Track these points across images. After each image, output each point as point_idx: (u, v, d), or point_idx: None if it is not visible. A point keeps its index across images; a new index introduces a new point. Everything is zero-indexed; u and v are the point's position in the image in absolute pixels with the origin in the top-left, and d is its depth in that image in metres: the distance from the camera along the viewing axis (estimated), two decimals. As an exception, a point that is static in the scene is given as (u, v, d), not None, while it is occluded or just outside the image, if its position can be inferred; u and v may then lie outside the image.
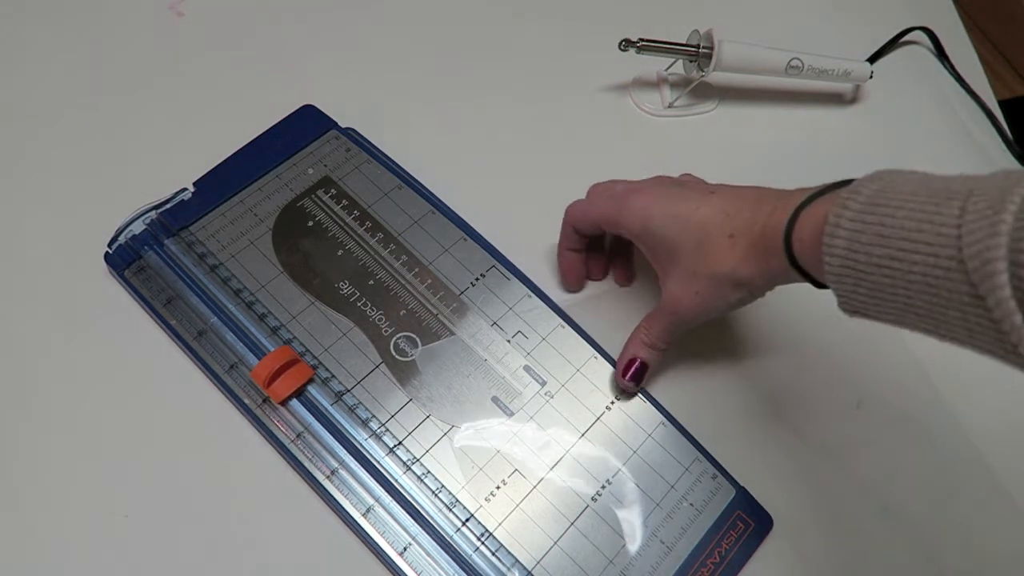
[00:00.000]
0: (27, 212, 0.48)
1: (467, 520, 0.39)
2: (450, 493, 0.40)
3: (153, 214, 0.46)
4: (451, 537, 0.39)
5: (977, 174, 0.28)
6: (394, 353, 0.43)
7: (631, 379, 0.42)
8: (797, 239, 0.33)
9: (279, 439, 0.40)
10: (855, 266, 0.29)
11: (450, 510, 0.39)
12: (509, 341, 0.44)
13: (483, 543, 0.39)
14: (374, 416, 0.41)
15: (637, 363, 0.42)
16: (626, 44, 0.51)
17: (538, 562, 0.38)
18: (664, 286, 0.40)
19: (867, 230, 0.29)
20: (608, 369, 0.44)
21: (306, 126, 0.50)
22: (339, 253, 0.45)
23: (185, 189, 0.47)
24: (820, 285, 0.33)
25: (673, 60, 0.55)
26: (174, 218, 0.46)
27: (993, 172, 0.27)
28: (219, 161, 0.48)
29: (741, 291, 0.37)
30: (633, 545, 0.39)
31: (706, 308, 0.38)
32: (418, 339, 0.43)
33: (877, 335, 0.47)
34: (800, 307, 0.47)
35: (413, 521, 0.39)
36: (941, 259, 0.26)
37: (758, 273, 0.36)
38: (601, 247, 0.48)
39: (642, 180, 0.42)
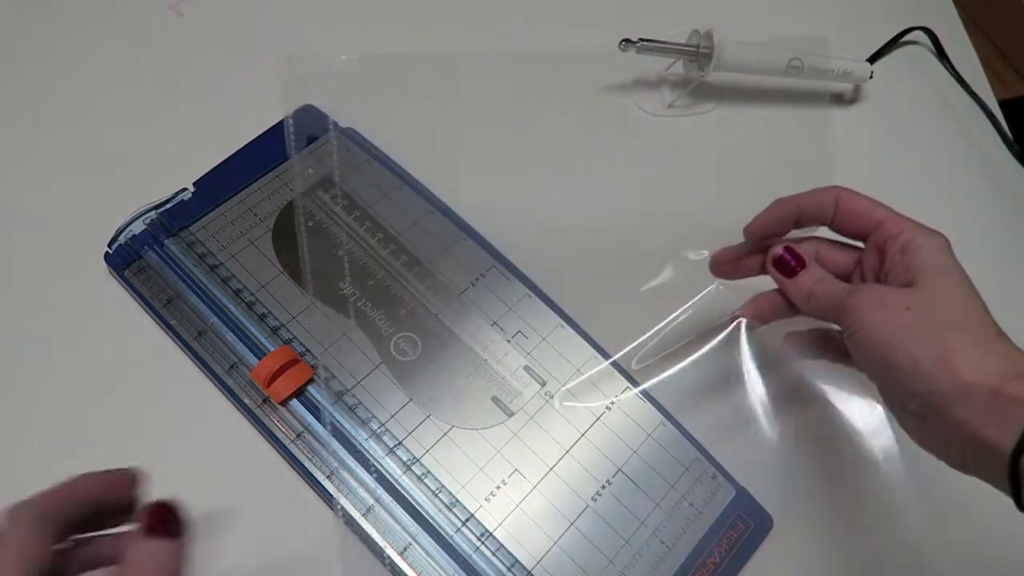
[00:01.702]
0: (27, 212, 0.48)
1: (467, 520, 0.39)
2: (450, 493, 0.40)
3: (153, 214, 0.46)
4: (451, 537, 0.39)
5: None
6: (394, 353, 0.43)
7: (779, 262, 0.36)
8: None
9: (279, 439, 0.40)
10: None
11: (450, 510, 0.39)
12: (509, 341, 0.44)
13: (483, 543, 0.39)
14: (374, 416, 0.41)
15: (794, 259, 0.35)
16: (626, 44, 0.51)
17: (538, 562, 0.38)
18: None
19: None
20: (609, 369, 0.43)
21: (306, 126, 0.50)
22: (339, 253, 0.45)
23: (185, 189, 0.47)
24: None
25: (673, 60, 0.55)
26: (174, 218, 0.46)
27: None
28: (219, 161, 0.48)
29: (921, 401, 0.29)
30: (633, 545, 0.39)
31: (884, 337, 0.30)
32: (418, 339, 0.43)
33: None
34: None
35: (413, 521, 0.39)
36: None
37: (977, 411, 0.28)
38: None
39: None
